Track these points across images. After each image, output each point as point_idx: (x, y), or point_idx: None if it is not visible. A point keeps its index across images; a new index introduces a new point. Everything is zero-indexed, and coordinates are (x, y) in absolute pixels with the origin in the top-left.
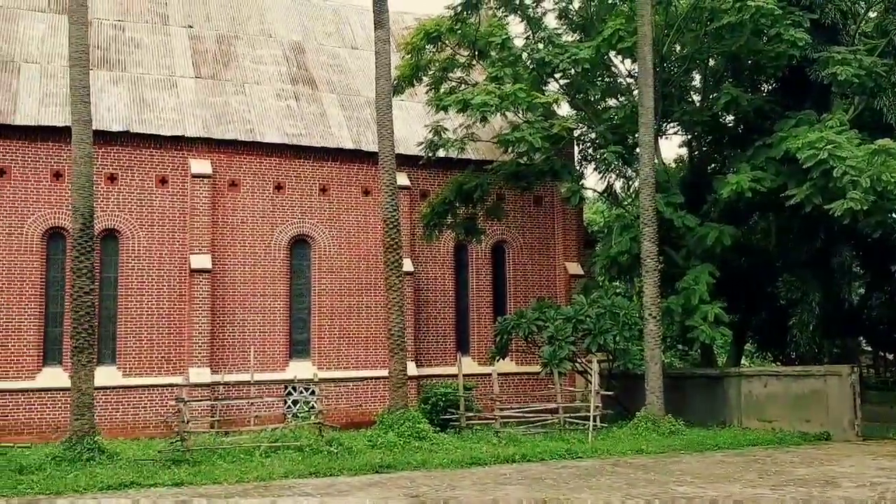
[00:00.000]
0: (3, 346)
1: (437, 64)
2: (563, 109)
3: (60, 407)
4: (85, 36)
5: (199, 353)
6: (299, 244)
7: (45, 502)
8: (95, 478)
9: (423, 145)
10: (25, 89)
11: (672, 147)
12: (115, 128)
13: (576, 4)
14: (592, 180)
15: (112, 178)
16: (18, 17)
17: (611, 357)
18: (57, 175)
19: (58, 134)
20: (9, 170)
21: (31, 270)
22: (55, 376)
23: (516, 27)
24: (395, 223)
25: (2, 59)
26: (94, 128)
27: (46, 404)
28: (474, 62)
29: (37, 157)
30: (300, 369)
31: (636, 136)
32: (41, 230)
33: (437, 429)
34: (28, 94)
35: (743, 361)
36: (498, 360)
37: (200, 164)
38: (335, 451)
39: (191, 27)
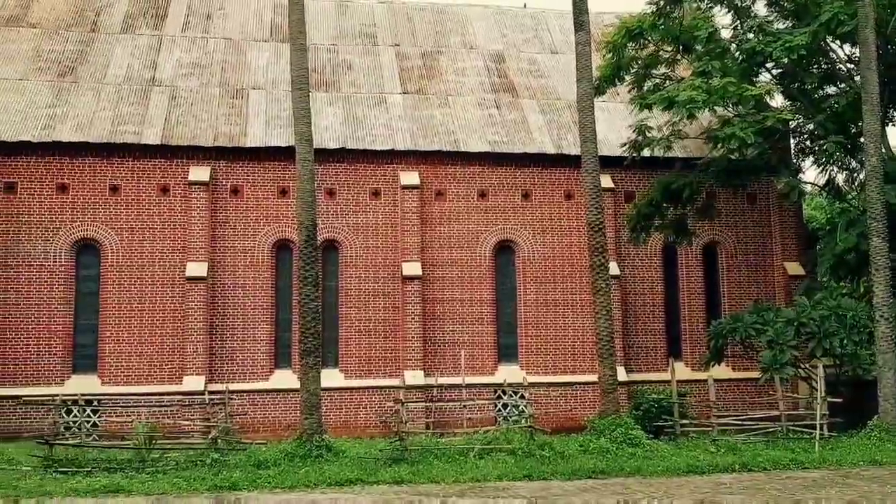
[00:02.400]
0: (241, 350)
1: (639, 62)
2: (777, 101)
3: (291, 407)
4: (305, 61)
5: (413, 356)
6: (504, 249)
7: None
8: (324, 474)
9: (627, 146)
10: (253, 114)
11: None
12: (332, 145)
13: None
14: (811, 174)
15: (330, 193)
16: (246, 49)
17: (837, 362)
18: (283, 192)
19: (282, 154)
20: (242, 189)
21: (263, 280)
22: (286, 378)
23: (722, 19)
24: (600, 226)
25: (233, 87)
26: (314, 146)
27: (279, 404)
28: (679, 57)
29: (265, 176)
30: (509, 373)
31: (859, 124)
32: (271, 243)
33: (650, 436)
34: (256, 118)
35: None
36: (713, 366)
37: (409, 176)
38: (547, 455)
39: (397, 45)
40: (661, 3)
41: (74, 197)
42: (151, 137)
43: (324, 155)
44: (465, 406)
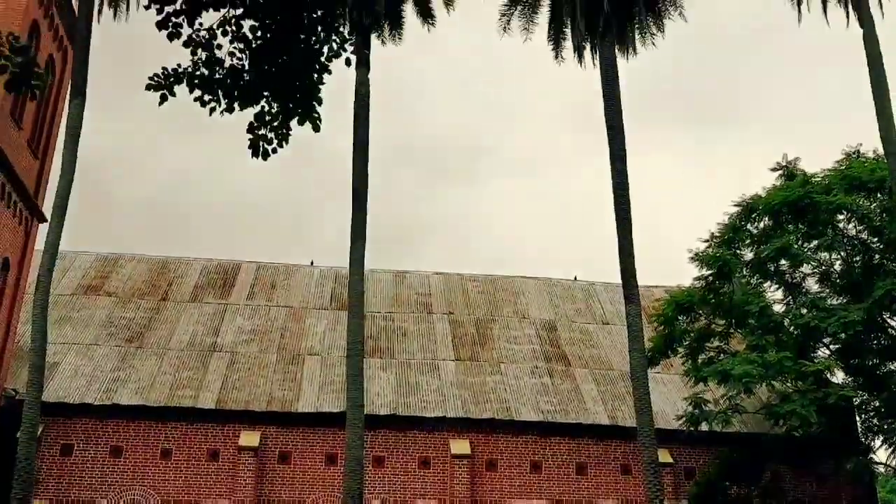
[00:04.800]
0: None
1: (691, 334)
2: (838, 376)
3: None
4: (361, 329)
5: None
6: None
7: None
8: None
9: (684, 419)
10: (307, 379)
11: None
12: (383, 412)
13: (837, 267)
14: (883, 453)
15: (379, 461)
16: (305, 316)
17: None
18: (330, 459)
19: (333, 419)
20: (290, 454)
21: None
22: None
23: (773, 293)
24: None
25: (290, 353)
26: (365, 412)
27: None
28: (731, 330)
29: (314, 442)
30: None
31: None
32: None
33: None
34: (309, 383)
35: None
36: None
37: (459, 445)
38: None
39: (451, 314)
40: (710, 278)
41: (126, 460)
42: (207, 402)
43: (374, 421)
44: None
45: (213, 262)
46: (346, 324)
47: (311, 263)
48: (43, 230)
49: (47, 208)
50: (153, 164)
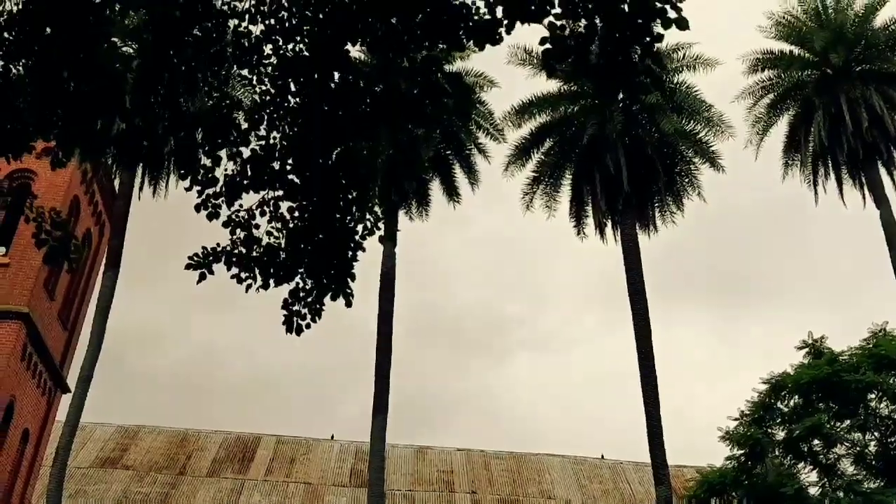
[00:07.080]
0: None
1: None
2: None
3: None
4: None
5: None
6: None
7: None
8: None
9: None
10: None
11: None
12: None
13: (872, 448)
14: None
15: None
16: (324, 493)
17: None
18: None
19: None
20: None
21: None
22: None
23: (807, 475)
24: None
25: None
26: None
27: None
28: None
29: None
30: None
31: None
32: None
33: None
34: None
35: None
36: None
37: None
38: None
39: (474, 493)
40: (742, 458)
41: None
42: None
43: None
44: None
45: (232, 434)
46: (366, 503)
47: (332, 437)
48: (66, 399)
49: (72, 377)
50: (178, 335)
